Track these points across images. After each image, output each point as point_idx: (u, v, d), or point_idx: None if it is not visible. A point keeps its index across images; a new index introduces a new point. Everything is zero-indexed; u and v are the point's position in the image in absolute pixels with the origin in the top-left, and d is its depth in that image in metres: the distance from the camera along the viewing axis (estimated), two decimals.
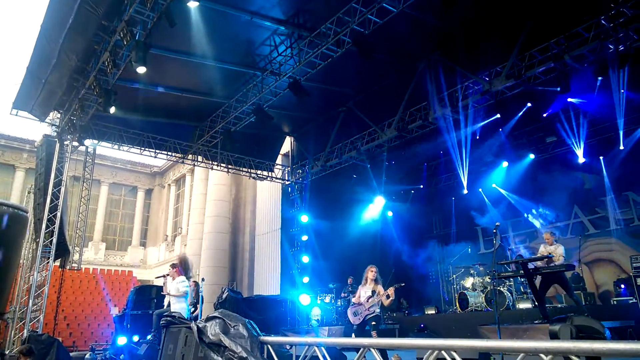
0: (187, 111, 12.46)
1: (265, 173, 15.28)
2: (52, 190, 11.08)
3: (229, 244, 21.17)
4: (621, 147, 11.20)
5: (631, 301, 8.71)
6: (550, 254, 8.18)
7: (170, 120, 12.86)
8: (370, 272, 7.35)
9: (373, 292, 7.17)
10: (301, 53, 9.55)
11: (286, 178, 15.65)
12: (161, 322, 6.27)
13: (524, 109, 11.47)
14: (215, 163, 14.06)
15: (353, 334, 7.21)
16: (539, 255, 8.44)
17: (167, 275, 8.45)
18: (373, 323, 7.05)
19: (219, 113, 12.13)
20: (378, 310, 7.23)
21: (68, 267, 12.17)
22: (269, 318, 11.28)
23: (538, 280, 8.07)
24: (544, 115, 11.76)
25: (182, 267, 8.47)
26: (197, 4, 6.88)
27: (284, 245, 14.85)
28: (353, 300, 7.49)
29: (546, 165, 13.08)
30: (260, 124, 11.43)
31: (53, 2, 7.92)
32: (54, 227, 10.92)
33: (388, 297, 6.93)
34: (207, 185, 22.44)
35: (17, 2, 49.63)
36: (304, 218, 14.46)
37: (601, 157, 11.95)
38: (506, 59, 9.07)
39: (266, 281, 18.09)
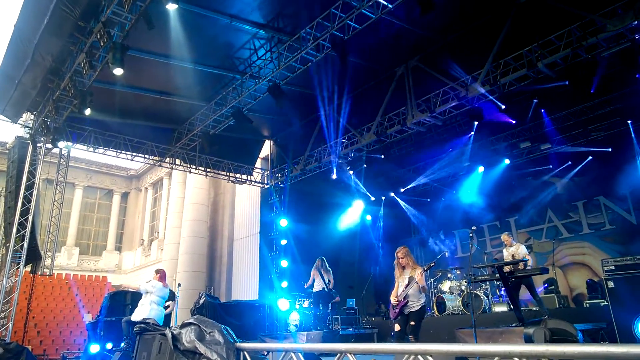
0: (165, 114, 12.30)
1: (244, 177, 15.17)
2: (24, 193, 10.79)
3: (207, 248, 20.94)
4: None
5: (603, 304, 8.92)
6: (513, 255, 8.41)
7: (147, 123, 12.67)
8: (400, 255, 6.13)
9: (411, 278, 5.94)
10: (281, 57, 9.56)
11: (265, 182, 15.56)
12: (135, 329, 6.15)
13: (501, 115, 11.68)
14: (194, 166, 13.91)
15: (396, 324, 5.99)
16: (505, 258, 8.66)
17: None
18: (412, 323, 5.78)
19: (197, 116, 12.02)
20: (423, 301, 5.93)
21: (39, 273, 11.85)
22: (247, 324, 11.17)
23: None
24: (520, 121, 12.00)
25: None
26: (176, 6, 6.80)
27: (262, 249, 14.75)
28: (392, 297, 6.23)
29: (521, 170, 13.36)
30: (240, 127, 11.37)
31: (28, 1, 7.74)
32: (25, 232, 10.62)
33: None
34: (185, 189, 22.17)
35: None
36: (283, 222, 14.38)
37: (572, 163, 12.28)
38: (482, 66, 9.22)
39: (244, 286, 17.97)
